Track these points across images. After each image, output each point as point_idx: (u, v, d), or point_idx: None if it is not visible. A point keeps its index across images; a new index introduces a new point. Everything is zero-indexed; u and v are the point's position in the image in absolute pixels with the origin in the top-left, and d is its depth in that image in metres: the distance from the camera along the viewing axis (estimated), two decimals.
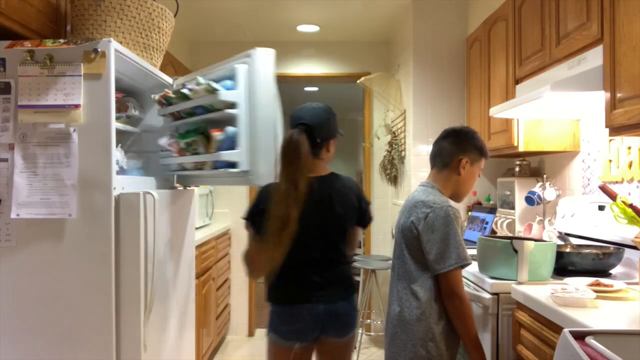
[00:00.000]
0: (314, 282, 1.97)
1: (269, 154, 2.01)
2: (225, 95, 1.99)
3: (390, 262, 2.48)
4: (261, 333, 4.70)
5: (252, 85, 2.00)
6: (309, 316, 1.94)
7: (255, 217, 1.96)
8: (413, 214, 1.87)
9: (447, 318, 1.82)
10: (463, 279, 2.20)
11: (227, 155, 1.99)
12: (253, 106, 2.00)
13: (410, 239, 1.87)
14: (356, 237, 2.11)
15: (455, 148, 1.93)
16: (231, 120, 2.00)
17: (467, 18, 3.55)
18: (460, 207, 3.54)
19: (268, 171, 2.00)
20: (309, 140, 1.93)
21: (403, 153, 3.90)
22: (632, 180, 2.12)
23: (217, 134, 2.04)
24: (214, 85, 2.00)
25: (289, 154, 1.90)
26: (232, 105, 1.99)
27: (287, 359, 1.96)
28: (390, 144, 4.19)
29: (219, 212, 4.63)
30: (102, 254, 1.88)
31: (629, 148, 2.13)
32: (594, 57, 1.87)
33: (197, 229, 3.61)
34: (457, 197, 1.98)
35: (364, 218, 2.06)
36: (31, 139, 1.88)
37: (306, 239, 1.93)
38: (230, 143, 2.01)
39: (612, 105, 1.73)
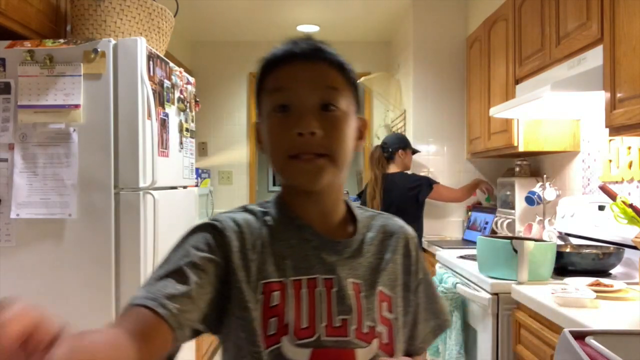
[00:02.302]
0: None
1: None
2: None
3: None
4: None
5: None
6: None
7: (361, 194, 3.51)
8: None
9: None
10: (464, 279, 2.21)
11: None
12: None
13: None
14: (442, 197, 3.30)
15: None
16: None
17: (467, 18, 3.55)
18: (460, 207, 3.54)
19: None
20: (383, 151, 3.31)
21: None
22: (632, 180, 2.12)
23: None
24: None
25: (371, 159, 3.35)
26: None
27: None
28: None
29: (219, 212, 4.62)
30: (102, 254, 1.88)
31: (629, 148, 2.13)
32: (594, 57, 1.87)
33: None
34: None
35: (417, 196, 3.21)
36: (31, 139, 1.88)
37: (386, 205, 3.22)
38: None
39: (612, 105, 1.73)
